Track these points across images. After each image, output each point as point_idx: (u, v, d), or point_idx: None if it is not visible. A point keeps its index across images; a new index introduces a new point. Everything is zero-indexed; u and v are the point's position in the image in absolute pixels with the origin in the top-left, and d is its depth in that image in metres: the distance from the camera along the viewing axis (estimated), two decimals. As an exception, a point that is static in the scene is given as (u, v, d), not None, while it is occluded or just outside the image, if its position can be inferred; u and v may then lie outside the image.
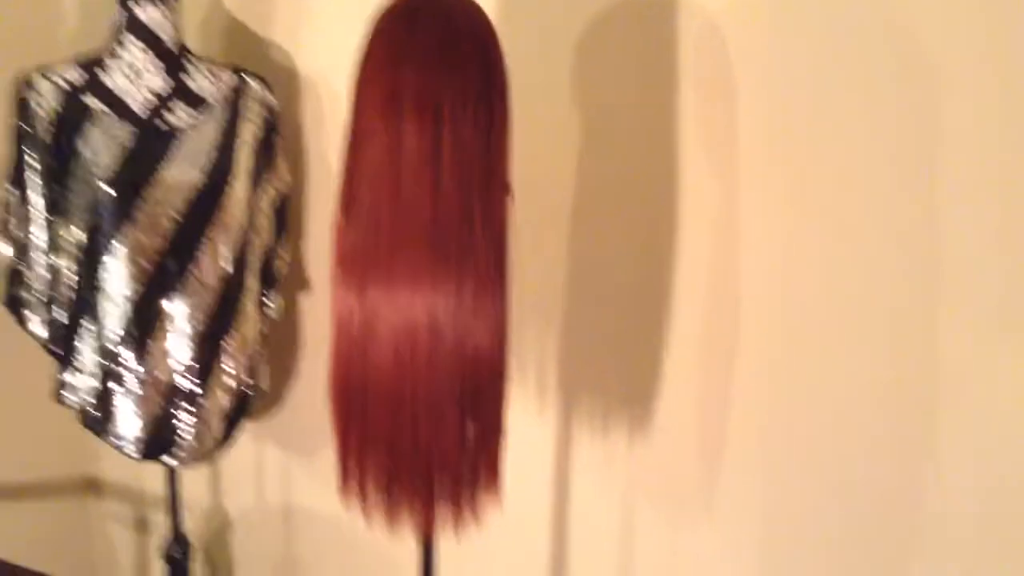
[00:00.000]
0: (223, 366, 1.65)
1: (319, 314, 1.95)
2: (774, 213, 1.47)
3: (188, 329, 1.60)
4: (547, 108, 1.60)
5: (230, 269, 1.63)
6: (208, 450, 1.67)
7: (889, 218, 1.39)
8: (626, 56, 1.54)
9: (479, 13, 1.13)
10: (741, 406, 1.57)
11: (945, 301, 1.38)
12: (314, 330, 1.97)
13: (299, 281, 1.96)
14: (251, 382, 1.72)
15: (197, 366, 1.61)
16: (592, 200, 1.62)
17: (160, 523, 2.32)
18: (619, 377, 1.67)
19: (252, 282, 1.70)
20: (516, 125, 1.62)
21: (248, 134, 1.66)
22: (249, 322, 1.70)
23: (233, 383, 1.67)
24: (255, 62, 1.88)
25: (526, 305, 1.72)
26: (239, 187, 1.63)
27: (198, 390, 1.62)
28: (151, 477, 2.27)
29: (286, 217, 1.80)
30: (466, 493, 1.18)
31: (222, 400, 1.66)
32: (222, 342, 1.64)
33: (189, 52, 1.65)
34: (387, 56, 1.09)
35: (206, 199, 1.59)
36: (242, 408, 1.71)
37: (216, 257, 1.61)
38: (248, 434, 2.12)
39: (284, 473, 2.15)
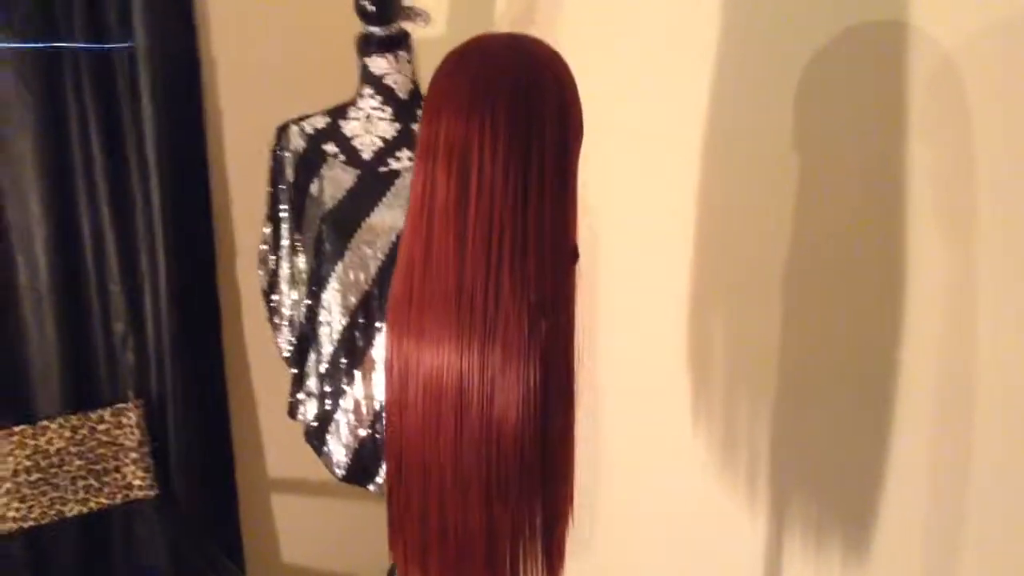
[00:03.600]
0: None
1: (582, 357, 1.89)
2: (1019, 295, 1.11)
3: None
4: (766, 150, 1.39)
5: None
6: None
7: None
8: (851, 96, 1.28)
9: (535, 55, 1.02)
10: (975, 542, 1.20)
11: None
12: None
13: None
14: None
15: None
16: (809, 259, 1.37)
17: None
18: (835, 480, 1.38)
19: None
20: (732, 169, 1.45)
21: (466, 180, 1.68)
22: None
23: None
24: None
25: (737, 380, 1.51)
26: (445, 232, 1.65)
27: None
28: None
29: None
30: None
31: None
32: None
33: (423, 98, 1.71)
34: (429, 103, 1.03)
35: (409, 242, 1.63)
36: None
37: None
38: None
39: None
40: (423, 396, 1.04)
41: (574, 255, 1.06)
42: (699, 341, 1.56)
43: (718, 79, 1.45)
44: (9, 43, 1.76)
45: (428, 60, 2.17)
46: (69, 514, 1.92)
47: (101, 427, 1.95)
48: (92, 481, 1.94)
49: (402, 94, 1.69)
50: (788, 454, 1.45)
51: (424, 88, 1.69)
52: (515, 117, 0.97)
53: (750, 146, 1.41)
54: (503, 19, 1.94)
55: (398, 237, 1.65)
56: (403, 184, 1.67)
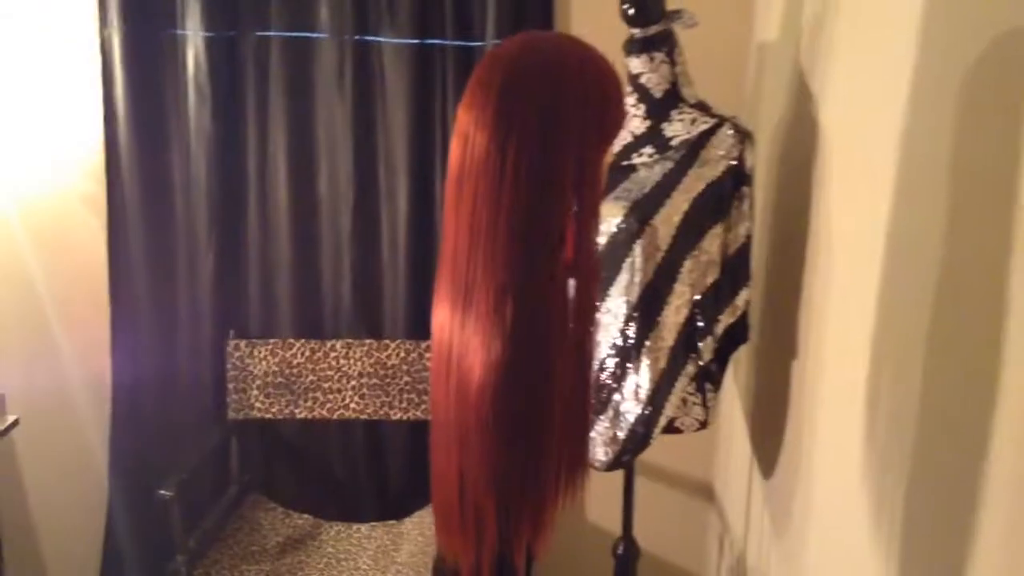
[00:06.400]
0: (622, 389, 1.77)
1: (807, 390, 1.79)
2: None
3: (606, 341, 1.77)
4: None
5: (627, 311, 1.73)
6: (597, 465, 1.81)
7: None
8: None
9: (539, 58, 1.11)
10: None
11: None
12: (800, 403, 1.83)
13: (786, 347, 1.84)
14: (649, 411, 1.76)
15: (611, 376, 1.78)
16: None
17: (735, 546, 2.42)
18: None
19: (671, 322, 1.74)
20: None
21: (698, 180, 1.70)
22: (660, 357, 1.76)
23: (627, 406, 1.76)
24: (791, 112, 1.84)
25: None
26: (661, 229, 1.70)
27: (604, 403, 1.79)
28: (736, 494, 2.40)
29: (740, 269, 1.75)
30: (465, 536, 1.21)
31: (610, 421, 1.78)
32: (630, 363, 1.76)
33: (681, 99, 1.77)
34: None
35: (621, 236, 1.72)
36: (635, 438, 1.78)
37: (625, 297, 1.73)
38: (759, 487, 2.09)
39: (762, 543, 2.04)
40: (435, 347, 1.21)
41: (559, 245, 1.12)
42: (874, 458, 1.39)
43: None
44: (393, 39, 2.24)
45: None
46: (393, 417, 2.39)
47: (427, 355, 2.38)
48: (414, 396, 2.39)
49: (656, 93, 1.76)
50: None
51: (687, 90, 1.76)
52: (498, 112, 1.08)
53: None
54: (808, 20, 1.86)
55: (618, 227, 1.75)
56: (636, 179, 1.76)
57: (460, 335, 1.13)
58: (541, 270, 1.11)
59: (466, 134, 1.11)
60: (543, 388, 1.14)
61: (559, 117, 1.09)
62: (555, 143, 1.09)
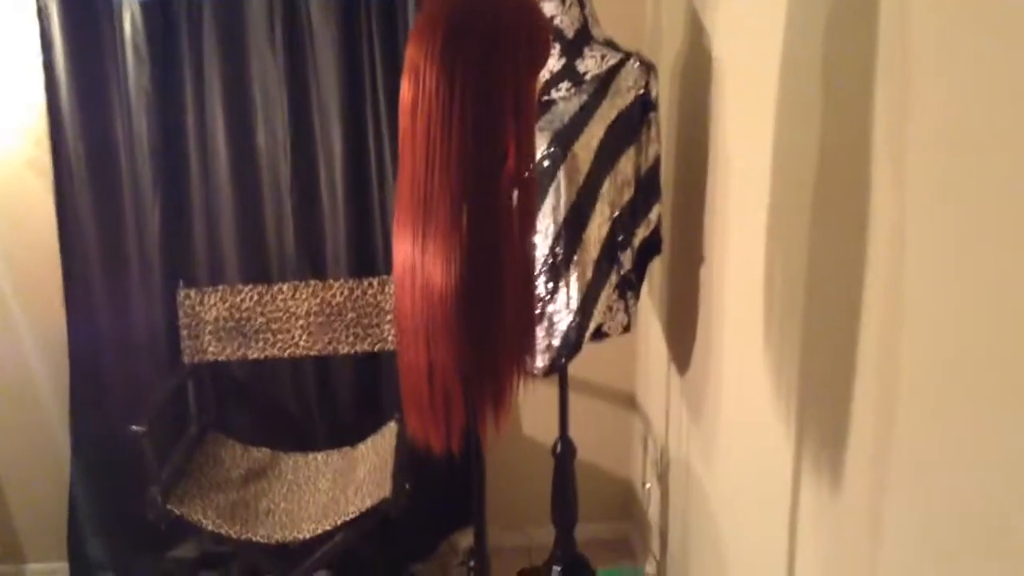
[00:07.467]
0: (555, 301, 1.99)
1: (715, 290, 2.05)
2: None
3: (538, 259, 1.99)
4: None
5: (556, 230, 1.94)
6: (535, 372, 2.04)
7: None
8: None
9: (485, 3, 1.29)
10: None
11: None
12: (709, 301, 2.08)
13: (694, 255, 2.09)
14: (579, 319, 1.99)
15: (544, 290, 1.99)
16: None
17: (657, 442, 2.68)
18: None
19: (595, 237, 1.97)
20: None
21: (611, 110, 1.92)
22: (587, 269, 1.98)
23: (560, 316, 1.99)
24: (688, 46, 2.07)
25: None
26: (581, 155, 1.92)
27: (540, 315, 2.01)
28: (656, 396, 2.66)
29: (651, 187, 1.99)
30: (436, 416, 1.41)
31: (545, 331, 2.00)
32: (560, 277, 1.98)
33: (591, 38, 1.98)
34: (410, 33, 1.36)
35: (547, 163, 1.93)
36: (568, 344, 2.01)
37: (553, 217, 1.95)
38: (677, 385, 2.35)
39: (681, 433, 2.31)
40: (399, 264, 1.39)
41: (503, 159, 1.31)
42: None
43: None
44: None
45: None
46: (341, 351, 2.58)
47: (370, 291, 2.56)
48: (359, 331, 2.58)
49: (569, 34, 1.97)
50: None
51: (596, 29, 1.97)
52: (444, 47, 1.26)
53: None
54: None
55: (542, 155, 1.96)
56: (556, 111, 1.96)
57: (422, 247, 1.31)
58: (490, 181, 1.31)
59: (417, 68, 1.29)
60: (498, 284, 1.34)
61: (498, 49, 1.28)
62: (496, 72, 1.28)
